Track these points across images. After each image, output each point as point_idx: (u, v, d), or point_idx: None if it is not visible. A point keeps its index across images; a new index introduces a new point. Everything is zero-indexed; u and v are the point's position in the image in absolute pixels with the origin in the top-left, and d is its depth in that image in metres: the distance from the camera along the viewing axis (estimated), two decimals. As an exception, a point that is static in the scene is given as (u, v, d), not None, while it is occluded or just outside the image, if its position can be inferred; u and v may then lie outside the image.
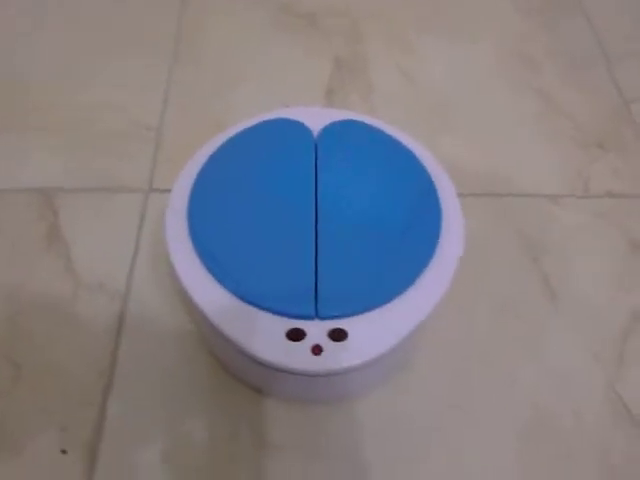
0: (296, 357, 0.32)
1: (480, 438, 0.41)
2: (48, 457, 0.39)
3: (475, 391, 0.43)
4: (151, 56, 0.63)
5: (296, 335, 0.33)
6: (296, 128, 0.42)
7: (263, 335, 0.33)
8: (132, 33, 0.66)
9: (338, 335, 0.33)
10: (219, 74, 0.62)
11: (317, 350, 0.32)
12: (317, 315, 0.33)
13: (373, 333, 0.33)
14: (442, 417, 0.42)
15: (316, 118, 0.42)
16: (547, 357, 0.45)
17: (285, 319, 0.33)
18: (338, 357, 0.32)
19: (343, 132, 0.42)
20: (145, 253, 0.49)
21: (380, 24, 0.67)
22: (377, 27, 0.67)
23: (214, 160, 0.40)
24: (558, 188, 0.55)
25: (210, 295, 0.34)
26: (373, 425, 0.41)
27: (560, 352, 0.45)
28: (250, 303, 0.34)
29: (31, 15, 0.67)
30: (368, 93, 0.60)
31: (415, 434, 0.41)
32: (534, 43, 0.67)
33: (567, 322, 0.47)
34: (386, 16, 0.68)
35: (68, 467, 0.39)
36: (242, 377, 0.42)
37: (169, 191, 0.39)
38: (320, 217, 0.37)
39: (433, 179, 0.40)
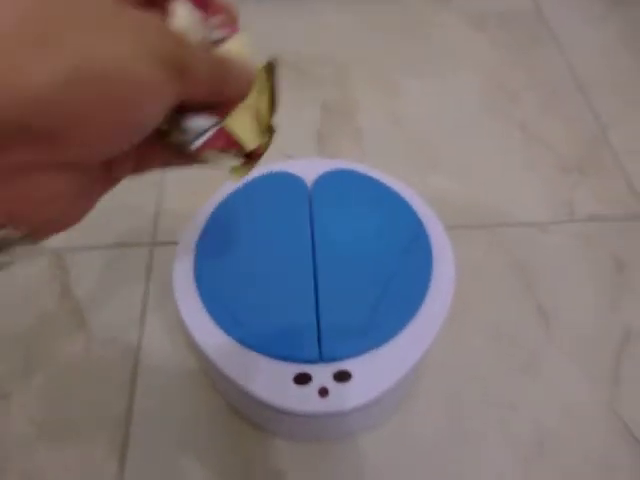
0: (304, 400, 0.34)
1: (485, 464, 0.43)
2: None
3: (476, 417, 0.45)
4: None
5: (303, 379, 0.35)
6: (291, 180, 0.44)
7: (271, 381, 0.35)
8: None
9: (343, 376, 0.35)
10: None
11: (324, 392, 0.34)
12: (321, 358, 0.35)
13: (376, 372, 0.35)
14: (446, 445, 0.43)
15: (310, 169, 0.45)
16: (545, 381, 0.46)
17: (291, 364, 0.35)
18: (344, 398, 0.34)
19: (334, 182, 0.44)
20: (154, 305, 0.51)
21: (364, 70, 0.71)
22: (362, 73, 0.71)
23: (216, 214, 0.43)
24: (544, 214, 0.57)
25: (218, 343, 0.36)
26: (381, 457, 0.43)
27: (557, 375, 0.47)
28: (257, 350, 0.36)
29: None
30: (358, 137, 0.63)
31: (421, 463, 0.42)
32: (512, 76, 0.71)
33: (562, 346, 0.48)
34: (370, 62, 0.72)
35: (92, 520, 0.40)
36: (253, 419, 0.43)
37: (174, 243, 0.42)
38: (318, 264, 0.39)
39: (422, 218, 0.42)
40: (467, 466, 0.42)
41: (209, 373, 0.45)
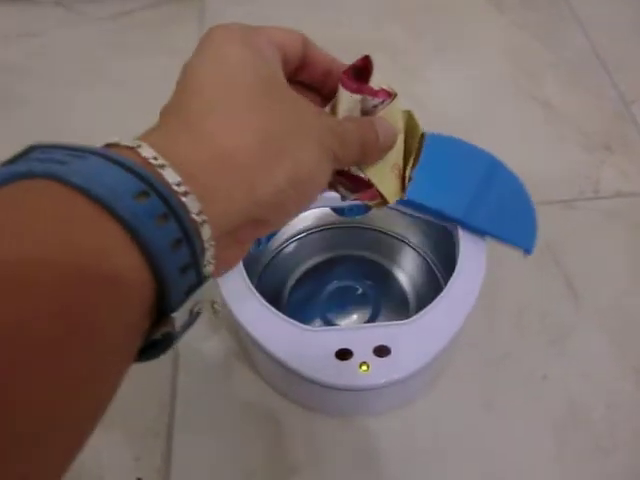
0: (346, 375, 0.36)
1: (518, 438, 0.44)
2: (126, 486, 0.43)
3: (508, 389, 0.46)
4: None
5: (344, 355, 0.36)
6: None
7: (314, 357, 0.36)
8: (160, 79, 0.71)
9: (382, 351, 0.36)
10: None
11: (365, 367, 0.36)
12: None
13: (414, 346, 0.37)
14: (479, 420, 0.45)
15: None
16: (574, 353, 0.47)
17: (332, 340, 0.37)
18: (384, 372, 0.36)
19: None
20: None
21: (387, 56, 0.71)
22: (384, 59, 0.71)
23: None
24: (571, 191, 0.58)
25: (262, 322, 0.38)
26: (416, 433, 0.44)
27: (587, 348, 0.48)
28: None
29: (66, 78, 0.72)
30: (381, 121, 0.64)
31: (455, 439, 0.44)
32: (535, 56, 0.71)
33: (592, 319, 0.49)
34: (392, 47, 0.72)
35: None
36: (291, 397, 0.45)
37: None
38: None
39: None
40: (501, 441, 0.44)
41: (250, 352, 0.47)
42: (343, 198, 0.27)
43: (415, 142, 0.28)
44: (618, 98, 0.65)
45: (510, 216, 0.42)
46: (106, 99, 0.69)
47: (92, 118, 0.68)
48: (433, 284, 0.49)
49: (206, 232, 0.17)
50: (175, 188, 0.16)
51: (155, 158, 0.16)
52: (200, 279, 0.17)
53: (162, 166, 0.16)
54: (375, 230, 0.52)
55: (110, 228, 0.14)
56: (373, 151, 0.24)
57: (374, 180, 0.25)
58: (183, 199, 0.16)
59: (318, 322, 0.49)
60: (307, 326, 0.37)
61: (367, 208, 0.46)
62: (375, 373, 0.36)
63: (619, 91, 0.66)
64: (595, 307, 0.50)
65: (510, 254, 0.53)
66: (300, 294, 0.51)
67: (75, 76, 0.72)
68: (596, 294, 0.51)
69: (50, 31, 0.76)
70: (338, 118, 0.23)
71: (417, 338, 0.37)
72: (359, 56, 0.26)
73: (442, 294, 0.38)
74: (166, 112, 0.20)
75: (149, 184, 0.15)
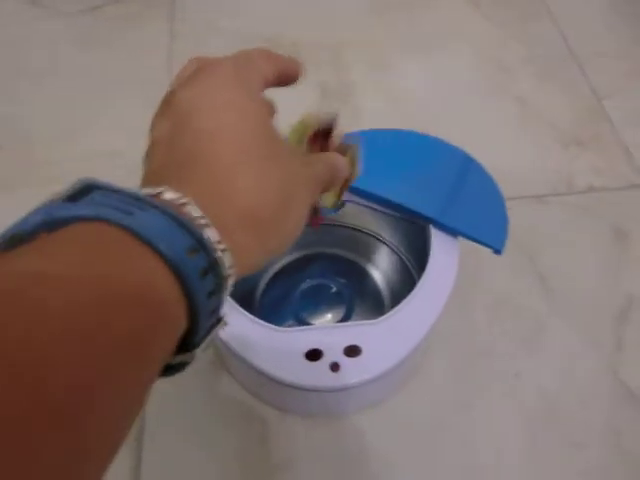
0: (317, 376, 0.35)
1: (491, 432, 0.44)
2: None
3: (481, 387, 0.46)
4: (144, 98, 0.67)
5: (314, 355, 0.36)
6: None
7: (284, 357, 0.36)
8: (125, 75, 0.69)
9: (353, 351, 0.36)
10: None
11: (335, 367, 0.35)
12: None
13: (385, 346, 0.36)
14: (454, 416, 0.44)
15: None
16: (548, 349, 0.48)
17: (302, 341, 0.36)
18: (355, 372, 0.35)
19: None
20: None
21: (360, 50, 0.71)
22: (358, 53, 0.71)
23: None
24: (543, 187, 0.58)
25: (232, 324, 0.37)
26: (388, 432, 0.44)
27: (560, 343, 0.48)
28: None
29: (29, 75, 0.70)
30: (356, 117, 0.63)
31: (428, 436, 0.44)
32: (507, 50, 0.71)
33: (565, 314, 0.49)
34: (366, 41, 0.72)
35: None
36: (262, 397, 0.44)
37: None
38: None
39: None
40: (474, 437, 0.44)
41: (222, 353, 0.46)
42: None
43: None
44: (591, 93, 0.66)
45: (481, 214, 0.42)
46: (71, 94, 0.68)
47: (56, 112, 0.66)
48: (408, 282, 0.48)
49: (230, 282, 0.20)
50: (216, 246, 0.18)
51: (202, 217, 0.19)
52: (219, 319, 0.21)
53: (207, 225, 0.19)
54: (349, 227, 0.52)
55: (168, 279, 0.17)
56: (336, 183, 0.28)
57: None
58: (220, 255, 0.19)
59: (292, 322, 0.49)
60: (277, 327, 0.36)
61: (340, 206, 0.45)
62: (345, 373, 0.35)
63: (592, 86, 0.66)
64: (568, 303, 0.50)
65: (483, 250, 0.53)
66: (273, 293, 0.50)
67: (40, 69, 0.70)
68: (569, 290, 0.51)
69: (17, 24, 0.74)
70: (308, 158, 0.28)
71: (388, 337, 0.36)
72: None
73: (413, 293, 0.38)
74: (181, 163, 0.21)
75: (199, 242, 0.18)
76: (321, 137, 0.34)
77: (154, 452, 0.43)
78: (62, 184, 0.57)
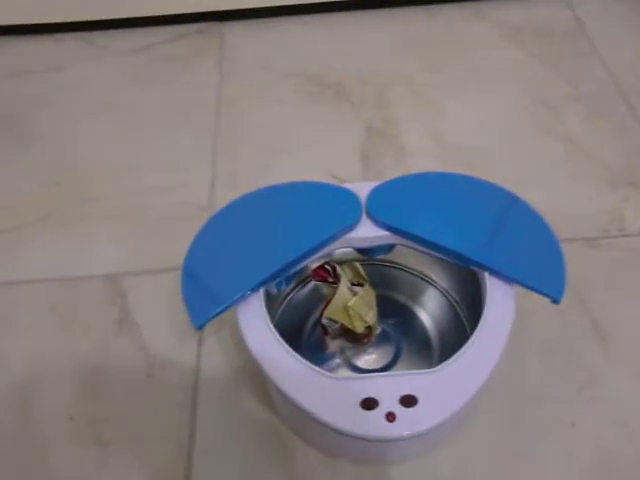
0: (372, 425, 0.35)
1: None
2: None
3: (536, 437, 0.44)
4: (195, 134, 0.69)
5: (369, 404, 0.35)
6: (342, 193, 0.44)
7: (339, 406, 0.35)
8: (175, 113, 0.72)
9: (409, 401, 0.35)
10: (260, 148, 0.67)
11: (391, 417, 0.35)
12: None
13: (442, 396, 0.35)
14: (505, 467, 0.43)
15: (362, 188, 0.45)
16: (604, 399, 0.46)
17: (358, 389, 0.36)
18: (411, 422, 0.35)
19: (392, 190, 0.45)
20: (210, 325, 0.52)
21: (405, 89, 0.72)
22: (403, 92, 0.71)
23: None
24: (594, 229, 0.57)
25: (285, 369, 0.37)
26: (443, 478, 0.43)
27: (617, 394, 0.46)
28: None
29: (86, 111, 0.73)
30: (401, 157, 0.64)
31: (485, 486, 0.42)
32: (554, 90, 0.71)
33: (620, 362, 0.48)
34: (410, 81, 0.73)
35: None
36: (313, 442, 0.44)
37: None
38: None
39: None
40: (529, 487, 0.42)
41: (271, 397, 0.46)
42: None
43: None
44: (641, 132, 0.65)
45: (537, 261, 0.41)
46: (126, 131, 0.70)
47: (109, 149, 0.68)
48: (457, 326, 0.48)
49: None
50: None
51: None
52: None
53: None
54: (398, 268, 0.51)
55: None
56: None
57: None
58: None
59: (337, 361, 0.48)
60: (331, 374, 0.36)
61: (390, 247, 0.46)
62: (401, 424, 0.35)
63: (642, 125, 0.65)
64: (624, 350, 0.49)
65: (533, 297, 0.52)
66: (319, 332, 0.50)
67: (95, 108, 0.73)
68: (624, 336, 0.49)
69: (72, 65, 0.78)
70: None
71: (444, 388, 0.36)
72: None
73: (470, 341, 0.37)
74: None
75: None
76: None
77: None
78: (110, 221, 0.57)
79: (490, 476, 0.43)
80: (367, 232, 0.43)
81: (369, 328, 0.46)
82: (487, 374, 0.36)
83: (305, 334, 0.50)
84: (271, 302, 0.46)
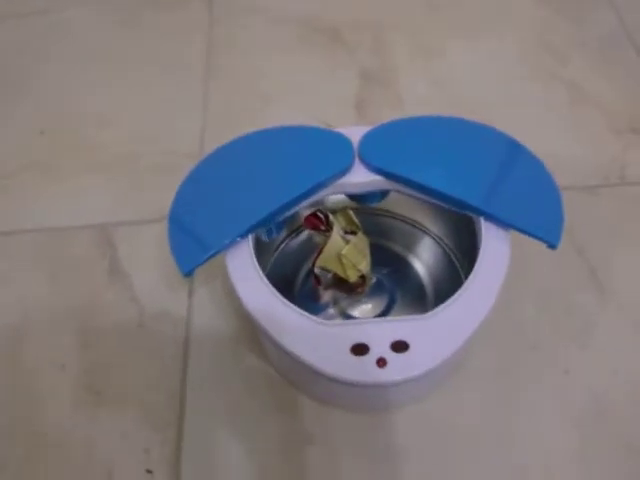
0: (362, 371, 0.34)
1: (539, 431, 0.42)
2: (135, 478, 0.42)
3: (529, 384, 0.44)
4: (184, 80, 0.66)
5: (360, 349, 0.35)
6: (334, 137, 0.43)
7: (330, 352, 0.35)
8: (163, 59, 0.69)
9: (400, 347, 0.35)
10: (252, 94, 0.65)
11: (381, 363, 0.34)
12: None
13: (434, 341, 0.35)
14: (499, 414, 0.43)
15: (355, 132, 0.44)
16: (599, 347, 0.46)
17: (348, 335, 0.35)
18: (402, 368, 0.34)
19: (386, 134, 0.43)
20: (201, 275, 0.51)
21: (403, 34, 0.69)
22: (400, 37, 0.68)
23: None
24: (595, 177, 0.56)
25: (275, 316, 0.36)
26: (431, 429, 0.43)
27: (612, 341, 0.46)
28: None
29: (70, 57, 0.71)
30: (399, 103, 0.62)
31: (473, 434, 0.42)
32: (558, 33, 0.68)
33: (616, 312, 0.47)
34: (408, 25, 0.70)
35: (155, 485, 0.42)
36: (306, 391, 0.44)
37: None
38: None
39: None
40: (519, 435, 0.42)
41: (262, 344, 0.45)
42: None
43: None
44: (647, 78, 0.62)
45: (534, 206, 0.40)
46: (112, 77, 0.68)
47: (100, 97, 0.66)
48: (451, 274, 0.47)
49: None
50: None
51: None
52: None
53: None
54: (392, 217, 0.50)
55: None
56: None
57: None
58: None
59: (331, 311, 0.48)
60: (323, 320, 0.36)
61: (383, 194, 0.44)
62: (392, 369, 0.34)
63: (648, 71, 0.63)
64: (621, 299, 0.48)
65: (529, 241, 0.51)
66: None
67: (80, 54, 0.70)
68: (621, 285, 0.49)
69: (57, 9, 0.75)
70: None
71: (437, 333, 0.35)
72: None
73: (463, 287, 0.36)
74: None
75: None
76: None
77: (194, 438, 0.43)
78: (99, 171, 0.55)
79: (483, 424, 0.43)
80: (360, 177, 0.41)
81: (363, 277, 0.45)
82: (480, 320, 0.36)
83: (298, 285, 0.49)
84: (263, 251, 0.45)
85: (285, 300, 0.37)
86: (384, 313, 0.47)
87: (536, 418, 0.43)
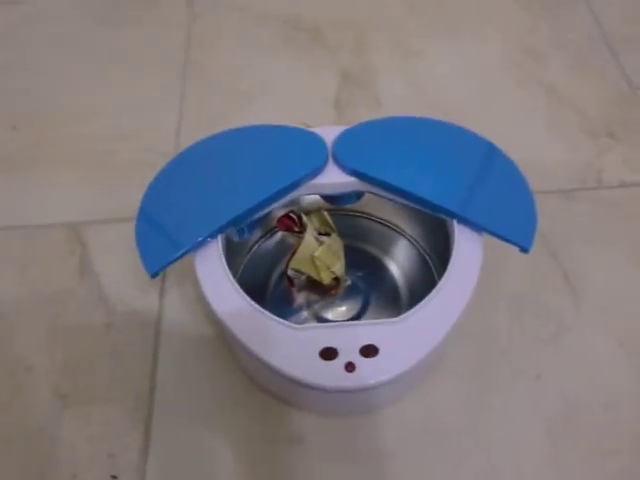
0: (331, 375, 0.34)
1: (511, 435, 0.42)
2: (100, 483, 0.41)
3: (502, 388, 0.44)
4: (162, 77, 0.65)
5: (329, 354, 0.34)
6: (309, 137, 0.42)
7: (298, 355, 0.34)
8: (141, 54, 0.68)
9: (369, 351, 0.34)
10: (230, 93, 0.64)
11: (350, 368, 0.34)
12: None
13: (403, 346, 0.34)
14: (472, 417, 0.43)
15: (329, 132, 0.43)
16: (571, 352, 0.46)
17: (317, 339, 0.35)
18: (371, 373, 0.34)
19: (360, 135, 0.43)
20: (173, 277, 0.50)
21: (384, 34, 0.68)
22: (381, 38, 0.68)
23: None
24: (571, 182, 0.56)
25: (243, 319, 0.35)
26: (404, 431, 0.42)
27: (585, 345, 0.46)
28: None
29: (46, 50, 0.69)
30: (377, 104, 0.61)
31: (447, 437, 0.42)
32: (537, 36, 0.68)
33: (590, 314, 0.47)
34: (390, 26, 0.69)
35: (120, 491, 0.41)
36: (276, 394, 0.43)
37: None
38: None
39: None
40: (492, 438, 0.42)
41: (231, 346, 0.44)
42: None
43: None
44: (625, 82, 0.63)
45: (508, 210, 0.40)
46: (88, 72, 0.67)
47: (75, 92, 0.65)
48: (426, 277, 0.47)
49: None
50: None
51: None
52: None
53: None
54: (367, 218, 0.50)
55: None
56: None
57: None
58: None
59: (305, 314, 0.47)
60: (293, 324, 0.35)
61: (359, 196, 0.44)
62: (361, 374, 0.34)
63: (626, 75, 0.63)
64: (594, 303, 0.48)
65: (504, 245, 0.51)
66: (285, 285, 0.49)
67: (57, 47, 0.69)
68: (595, 290, 0.49)
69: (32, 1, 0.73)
70: None
71: (407, 337, 0.35)
72: None
73: (434, 291, 0.36)
74: None
75: None
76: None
77: (161, 442, 0.42)
78: (71, 167, 0.54)
79: (455, 427, 0.43)
80: (333, 178, 0.41)
81: (337, 279, 0.45)
82: (451, 324, 0.35)
83: (271, 287, 0.48)
84: (235, 252, 0.45)
85: (254, 304, 0.36)
86: (358, 316, 0.47)
87: (509, 422, 0.43)
